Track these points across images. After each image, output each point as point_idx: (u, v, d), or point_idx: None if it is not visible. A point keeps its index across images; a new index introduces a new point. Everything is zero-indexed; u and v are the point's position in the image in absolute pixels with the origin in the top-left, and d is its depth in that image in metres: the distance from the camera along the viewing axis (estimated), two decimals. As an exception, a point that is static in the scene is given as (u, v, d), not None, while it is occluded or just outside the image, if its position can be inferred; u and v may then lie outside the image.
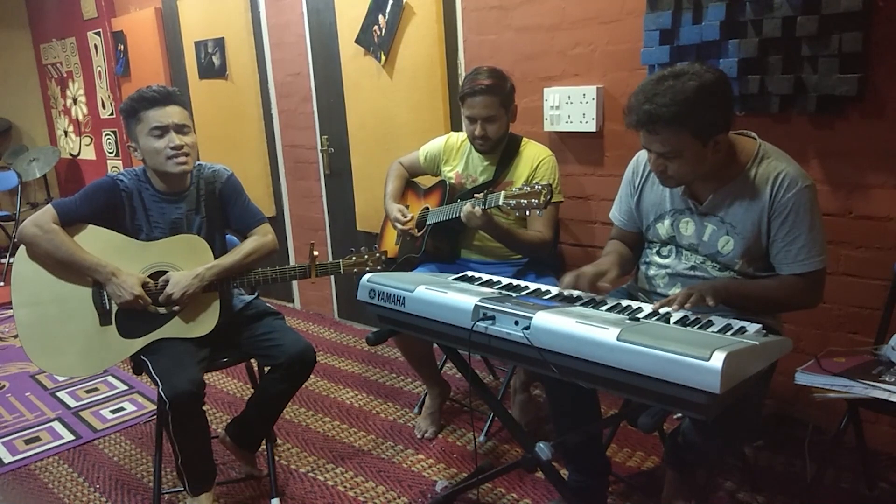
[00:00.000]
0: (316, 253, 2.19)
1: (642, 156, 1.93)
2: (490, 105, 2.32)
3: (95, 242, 2.08)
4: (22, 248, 2.08)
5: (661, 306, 1.62)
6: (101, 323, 2.08)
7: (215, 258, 2.14)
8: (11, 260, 5.30)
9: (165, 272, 2.09)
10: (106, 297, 2.07)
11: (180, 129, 2.08)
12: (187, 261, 2.11)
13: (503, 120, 2.39)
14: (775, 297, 1.72)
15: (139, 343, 2.07)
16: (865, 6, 1.97)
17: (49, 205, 2.08)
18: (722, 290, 1.63)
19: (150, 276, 2.09)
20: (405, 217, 2.53)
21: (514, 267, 2.47)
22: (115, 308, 2.08)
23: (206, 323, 2.11)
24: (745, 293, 1.71)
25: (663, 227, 1.87)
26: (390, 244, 2.72)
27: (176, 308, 2.08)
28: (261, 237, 2.22)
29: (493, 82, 2.33)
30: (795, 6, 2.06)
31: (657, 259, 1.91)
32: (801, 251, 1.67)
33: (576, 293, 1.74)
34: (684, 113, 1.56)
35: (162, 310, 2.08)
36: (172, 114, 2.07)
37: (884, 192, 2.11)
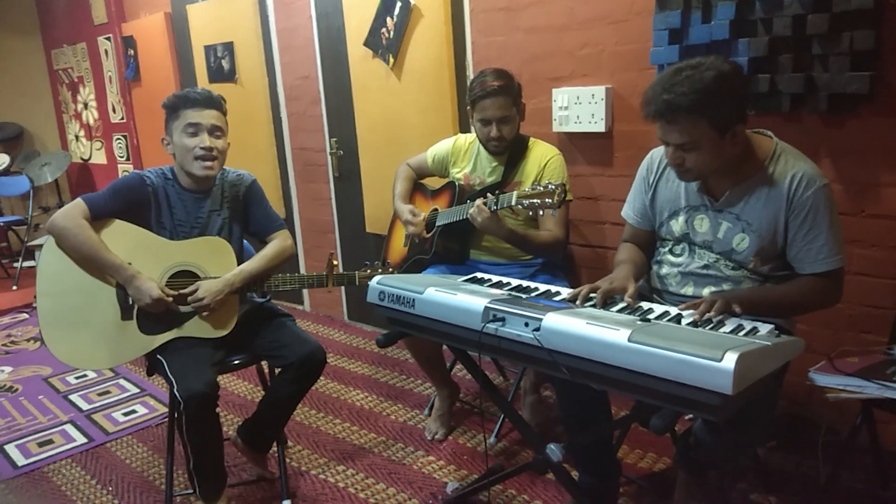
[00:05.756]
0: (336, 262, 2.25)
1: (656, 153, 1.92)
2: (503, 105, 2.33)
3: (122, 238, 2.10)
4: (50, 238, 2.10)
5: (685, 309, 1.60)
6: (123, 317, 2.10)
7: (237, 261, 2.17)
8: (24, 264, 5.35)
9: (189, 272, 2.12)
10: None
11: (214, 131, 2.13)
12: (211, 262, 2.13)
13: (516, 119, 2.40)
14: (797, 301, 1.71)
15: (158, 340, 2.09)
16: (877, 3, 1.95)
17: (79, 198, 2.10)
18: (746, 301, 1.60)
19: (173, 276, 2.11)
20: (416, 217, 2.54)
21: (524, 268, 2.47)
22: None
23: (226, 323, 2.13)
24: (766, 302, 1.68)
25: (677, 224, 1.86)
26: (398, 246, 2.72)
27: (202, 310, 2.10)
28: (281, 242, 2.26)
29: (503, 83, 2.34)
30: (806, 4, 2.04)
31: (670, 258, 1.90)
32: (822, 249, 1.66)
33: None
34: (703, 102, 1.56)
35: (186, 308, 2.10)
36: (209, 116, 2.13)
37: (896, 191, 2.09)
